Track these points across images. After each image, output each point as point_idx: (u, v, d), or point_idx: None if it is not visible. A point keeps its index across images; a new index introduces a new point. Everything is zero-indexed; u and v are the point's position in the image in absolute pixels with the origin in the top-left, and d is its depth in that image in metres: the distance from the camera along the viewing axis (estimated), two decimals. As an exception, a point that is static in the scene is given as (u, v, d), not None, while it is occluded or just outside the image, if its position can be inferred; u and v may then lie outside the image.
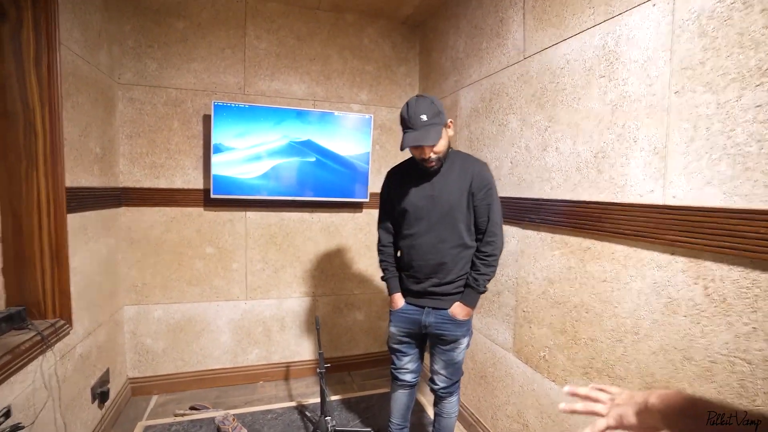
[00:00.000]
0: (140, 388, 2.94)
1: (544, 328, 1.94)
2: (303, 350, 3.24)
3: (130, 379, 2.92)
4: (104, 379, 2.49)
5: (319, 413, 2.42)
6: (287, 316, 3.19)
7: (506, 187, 2.22)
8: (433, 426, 2.11)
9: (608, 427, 0.76)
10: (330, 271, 3.25)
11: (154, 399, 2.92)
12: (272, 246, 3.11)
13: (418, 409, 2.81)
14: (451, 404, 2.02)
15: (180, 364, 3.01)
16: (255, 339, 3.14)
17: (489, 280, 1.83)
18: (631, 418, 0.74)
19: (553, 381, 1.89)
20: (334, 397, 2.97)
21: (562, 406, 0.87)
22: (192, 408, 2.82)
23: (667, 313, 1.42)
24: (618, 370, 1.58)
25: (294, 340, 3.22)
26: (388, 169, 2.16)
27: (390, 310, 1.99)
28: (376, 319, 3.41)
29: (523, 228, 2.11)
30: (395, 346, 2.00)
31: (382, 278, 2.00)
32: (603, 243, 1.65)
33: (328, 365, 2.69)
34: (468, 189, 1.79)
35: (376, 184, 3.20)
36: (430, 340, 1.97)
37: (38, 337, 1.83)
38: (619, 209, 1.57)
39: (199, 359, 3.05)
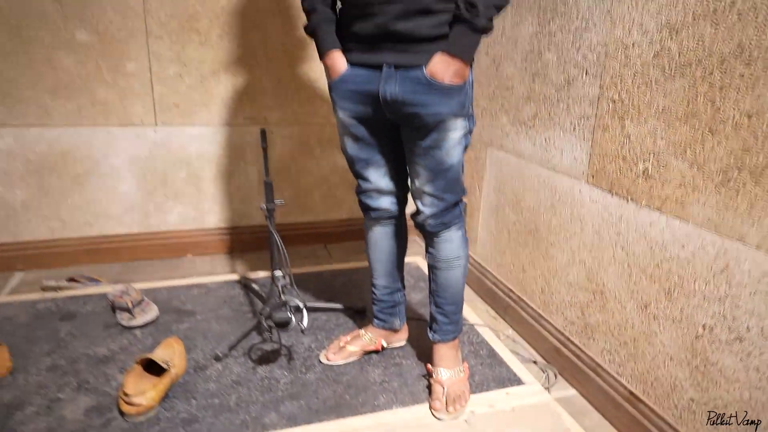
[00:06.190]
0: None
1: (650, 120, 1.13)
2: (254, 208, 2.14)
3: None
4: None
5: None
6: (225, 153, 2.04)
7: None
8: (429, 287, 1.32)
9: None
10: (294, 83, 2.06)
11: (19, 277, 1.87)
12: (194, 35, 1.87)
13: (419, 274, 1.87)
14: (448, 244, 1.24)
15: (56, 226, 1.91)
16: (176, 190, 2.01)
17: (498, 9, 1.01)
18: None
19: (659, 210, 1.12)
20: (298, 270, 1.93)
21: None
22: (71, 280, 1.76)
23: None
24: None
25: (238, 192, 2.11)
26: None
27: (329, 84, 1.18)
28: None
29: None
30: (351, 150, 1.23)
31: (306, 28, 1.15)
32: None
33: (283, 212, 1.59)
34: None
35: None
36: (402, 133, 1.18)
37: None
38: None
39: (86, 219, 1.93)
